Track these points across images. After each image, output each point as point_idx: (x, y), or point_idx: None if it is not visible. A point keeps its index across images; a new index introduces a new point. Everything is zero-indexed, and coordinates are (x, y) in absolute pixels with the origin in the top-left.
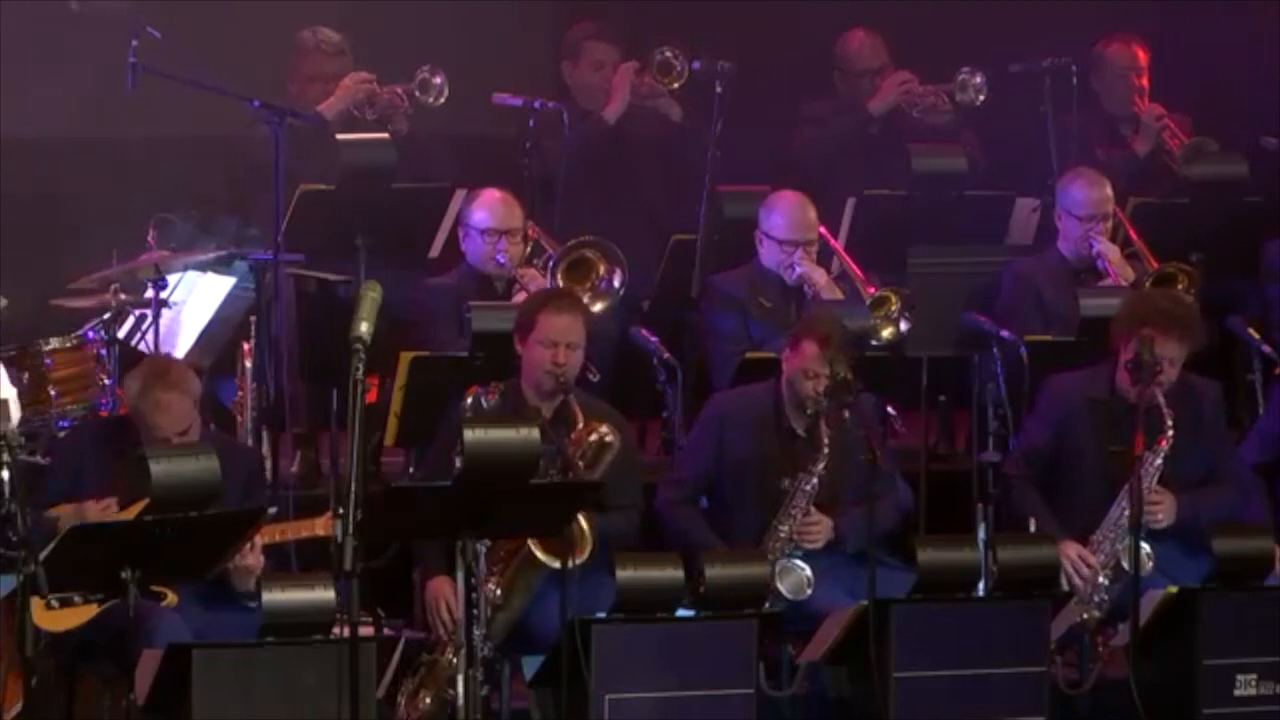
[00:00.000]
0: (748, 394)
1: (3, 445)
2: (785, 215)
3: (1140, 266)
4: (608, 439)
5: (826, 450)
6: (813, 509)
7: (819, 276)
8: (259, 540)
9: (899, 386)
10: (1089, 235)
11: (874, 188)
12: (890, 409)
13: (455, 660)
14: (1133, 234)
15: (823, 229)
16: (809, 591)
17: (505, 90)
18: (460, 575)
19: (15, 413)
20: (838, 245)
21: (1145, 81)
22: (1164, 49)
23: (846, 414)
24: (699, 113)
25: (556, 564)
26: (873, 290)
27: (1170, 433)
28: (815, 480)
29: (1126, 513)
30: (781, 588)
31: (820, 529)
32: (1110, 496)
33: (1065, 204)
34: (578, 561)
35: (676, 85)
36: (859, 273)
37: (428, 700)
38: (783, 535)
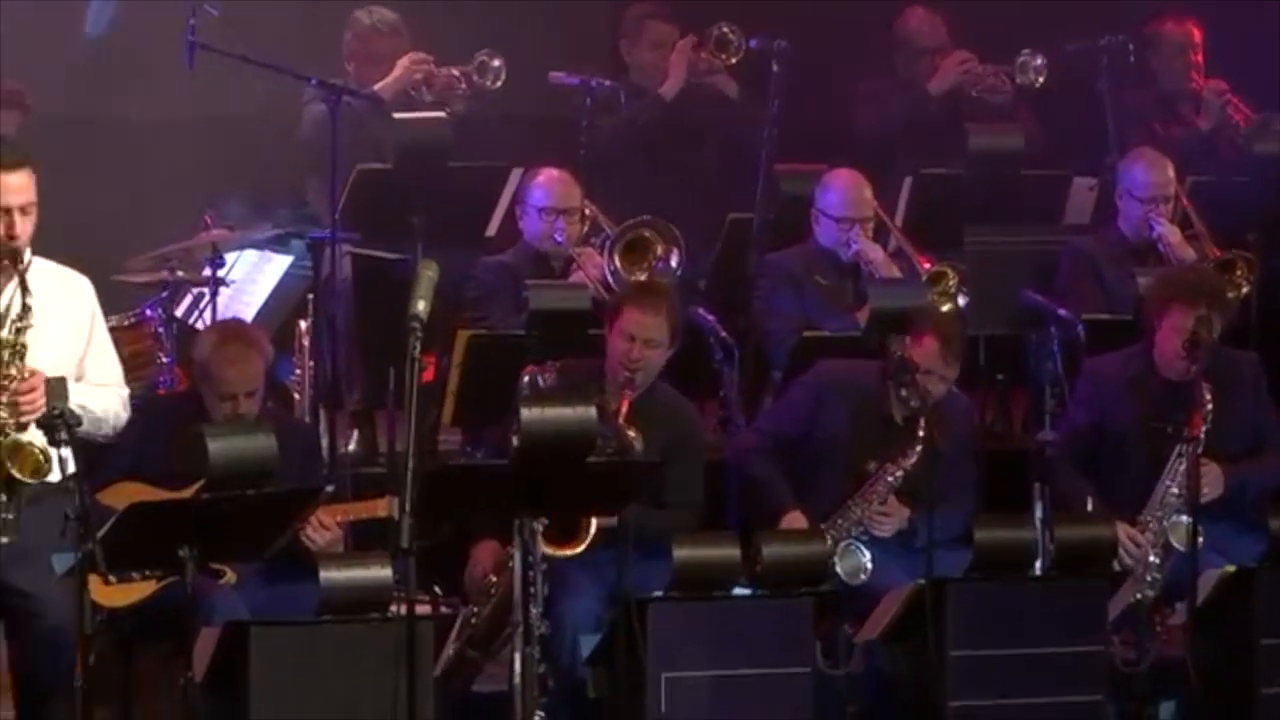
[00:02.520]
0: (855, 369)
1: (61, 423)
2: (841, 193)
3: (1200, 248)
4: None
5: (920, 448)
6: (891, 498)
7: (875, 254)
8: (341, 519)
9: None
10: (1150, 217)
11: (931, 167)
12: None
13: (475, 618)
14: (1194, 217)
15: (878, 207)
16: (863, 579)
17: (562, 69)
18: (517, 554)
19: (74, 391)
20: (893, 223)
21: (1200, 58)
22: (1215, 25)
23: (904, 392)
24: (755, 91)
25: (560, 553)
26: (929, 265)
27: (1209, 407)
28: (902, 474)
29: (1172, 490)
30: (839, 568)
31: (893, 520)
32: (1154, 475)
33: (1126, 184)
34: (570, 553)
35: (733, 61)
36: (915, 250)
37: (449, 652)
38: (854, 517)
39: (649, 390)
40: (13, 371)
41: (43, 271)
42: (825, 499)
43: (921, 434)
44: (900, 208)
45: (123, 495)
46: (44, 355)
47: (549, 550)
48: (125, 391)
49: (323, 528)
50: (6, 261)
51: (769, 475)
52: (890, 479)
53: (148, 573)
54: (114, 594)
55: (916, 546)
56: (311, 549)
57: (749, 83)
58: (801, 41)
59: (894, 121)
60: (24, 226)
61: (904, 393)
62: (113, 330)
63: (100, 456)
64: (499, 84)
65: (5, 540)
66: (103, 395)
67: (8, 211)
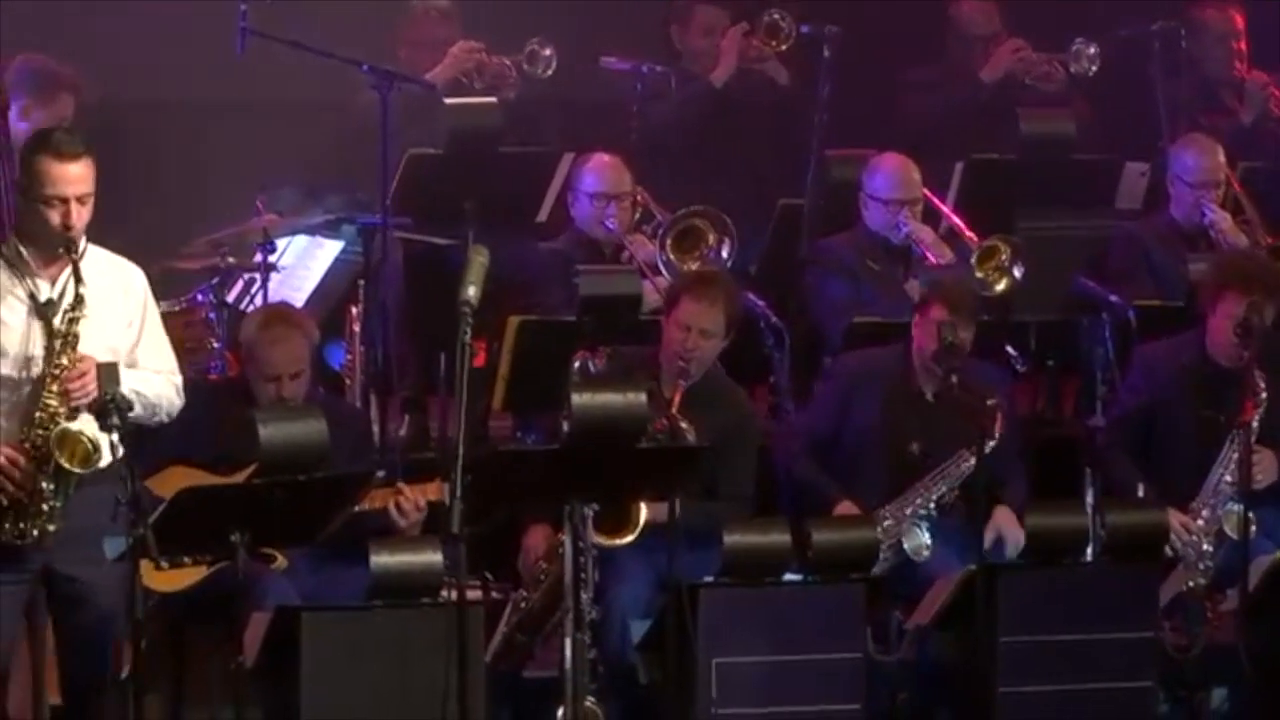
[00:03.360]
0: (876, 357)
1: (113, 408)
2: (888, 175)
3: (1252, 235)
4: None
5: (999, 434)
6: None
7: (926, 234)
8: (419, 498)
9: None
10: (1201, 202)
11: (982, 151)
12: (1011, 349)
13: (526, 603)
14: (1245, 203)
15: (928, 191)
16: (925, 555)
17: (613, 54)
18: (568, 540)
19: (128, 377)
20: (942, 204)
21: (1244, 45)
22: (1257, 17)
23: (954, 379)
24: (806, 80)
25: (611, 543)
26: (980, 241)
27: (1263, 394)
28: (973, 461)
29: (1225, 477)
30: (906, 546)
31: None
32: (1206, 462)
33: (1177, 170)
34: (621, 542)
35: (784, 48)
36: (966, 230)
37: (500, 637)
38: (918, 503)
39: (704, 379)
40: (64, 360)
41: (96, 260)
42: (872, 487)
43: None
44: (952, 193)
45: (173, 480)
46: (96, 344)
47: (600, 540)
48: (179, 379)
49: (416, 508)
50: (61, 250)
51: (815, 473)
52: (963, 467)
53: (199, 557)
54: (165, 579)
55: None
56: (402, 527)
57: (799, 68)
58: (852, 26)
59: (945, 109)
60: (81, 216)
61: (954, 379)
62: (164, 316)
63: (150, 442)
64: (549, 73)
65: (52, 528)
66: (156, 381)
67: (65, 201)
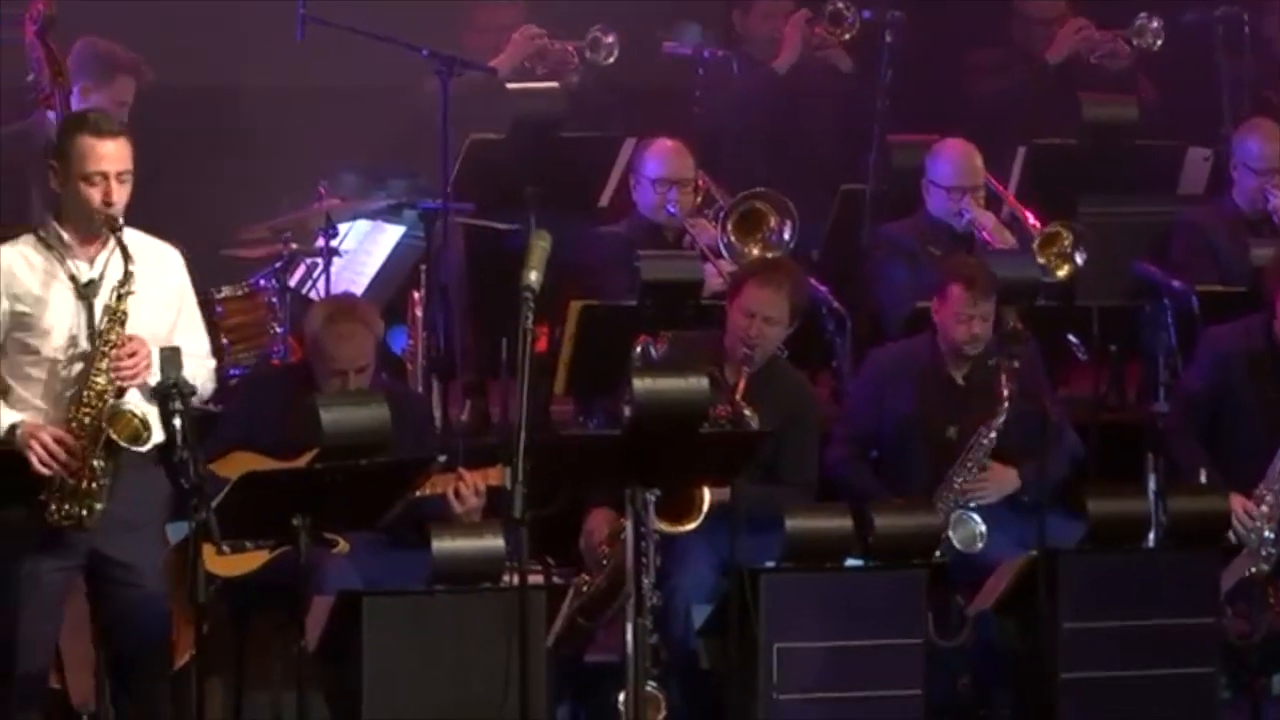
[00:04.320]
0: (904, 348)
1: (175, 393)
2: (951, 162)
3: None
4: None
5: (1006, 405)
6: (988, 462)
7: (988, 220)
8: (479, 484)
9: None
10: (1265, 188)
11: (1044, 137)
12: (1072, 337)
13: (587, 587)
14: None
15: (990, 177)
16: (980, 546)
17: (675, 40)
18: (629, 525)
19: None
20: (1004, 190)
21: None
22: None
23: (1017, 364)
24: (868, 62)
25: (674, 530)
26: (1041, 227)
27: None
28: (993, 435)
29: None
30: (954, 538)
31: (994, 484)
32: (1271, 448)
33: (1241, 156)
34: (685, 529)
35: (847, 36)
36: (1029, 216)
37: (561, 622)
38: (956, 487)
39: (767, 366)
40: (113, 337)
41: (134, 242)
42: (917, 477)
43: (1006, 395)
44: (1014, 178)
45: (235, 465)
46: (136, 325)
47: (663, 527)
48: (212, 363)
49: (475, 494)
50: (104, 229)
51: (864, 480)
52: (985, 442)
53: (261, 542)
54: (227, 564)
55: (1024, 501)
56: (459, 512)
57: (861, 53)
58: (915, 11)
59: (1009, 92)
60: (120, 194)
61: (1016, 364)
62: (226, 300)
63: (211, 427)
64: (612, 60)
65: (99, 507)
66: (191, 365)
67: (105, 178)
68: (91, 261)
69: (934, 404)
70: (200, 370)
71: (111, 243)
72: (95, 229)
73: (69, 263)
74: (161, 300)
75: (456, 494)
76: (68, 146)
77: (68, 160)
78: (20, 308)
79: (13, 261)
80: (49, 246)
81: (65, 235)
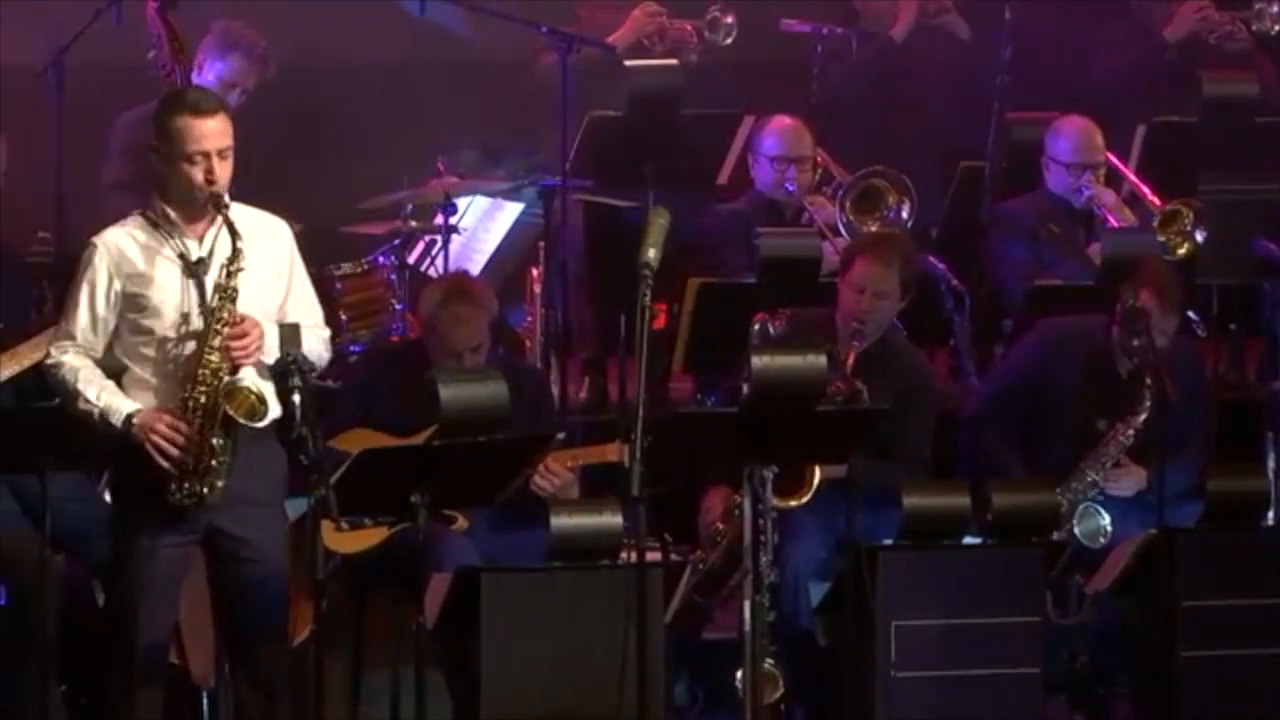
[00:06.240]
0: (1081, 325)
1: (294, 369)
2: (1071, 139)
3: None
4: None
5: (1148, 404)
6: (1125, 458)
7: (1108, 197)
8: (572, 464)
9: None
10: None
11: (1164, 114)
12: (1192, 313)
13: (704, 564)
14: None
15: (1111, 155)
16: (1103, 541)
17: (793, 16)
18: (747, 502)
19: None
20: (1125, 168)
21: None
22: None
23: (1135, 342)
24: (986, 30)
25: (785, 504)
26: (1163, 205)
27: None
28: (1131, 433)
29: None
30: (1077, 531)
31: (1129, 480)
32: None
33: None
34: (795, 504)
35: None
36: (1149, 194)
37: (679, 599)
38: (1088, 479)
39: (881, 341)
40: (225, 315)
41: (241, 217)
42: (1055, 456)
43: (1149, 386)
44: (1134, 156)
45: (354, 442)
46: (246, 301)
47: (775, 502)
48: (326, 332)
49: (551, 474)
50: (210, 207)
51: (999, 446)
52: (1122, 439)
53: (379, 519)
54: (346, 540)
55: (1149, 499)
56: (542, 495)
57: (979, 20)
58: None
59: (1128, 69)
60: (223, 171)
61: (1135, 342)
62: (345, 277)
63: (329, 403)
64: (730, 40)
65: (220, 483)
66: (306, 337)
67: (206, 156)
68: (200, 239)
69: (1094, 390)
70: (315, 342)
71: (219, 220)
72: (200, 207)
73: (178, 240)
74: (272, 273)
75: (537, 485)
76: (168, 126)
77: (169, 140)
78: (131, 288)
79: (121, 242)
80: (156, 226)
81: (172, 214)
